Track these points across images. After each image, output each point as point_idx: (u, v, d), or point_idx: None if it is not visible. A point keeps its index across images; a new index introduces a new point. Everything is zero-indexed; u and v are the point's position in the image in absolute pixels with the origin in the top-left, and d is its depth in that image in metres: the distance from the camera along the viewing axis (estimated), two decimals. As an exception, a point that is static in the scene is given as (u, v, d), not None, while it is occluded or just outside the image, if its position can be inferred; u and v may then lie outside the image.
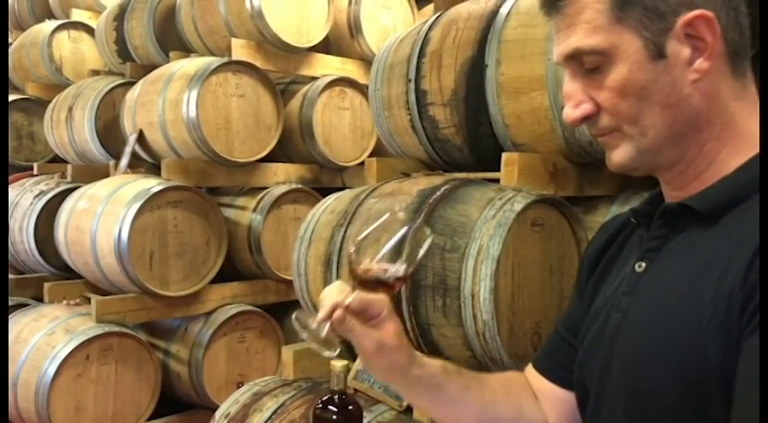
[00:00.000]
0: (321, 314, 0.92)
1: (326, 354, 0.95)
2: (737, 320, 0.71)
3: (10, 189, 4.35)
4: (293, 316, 0.96)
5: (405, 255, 0.93)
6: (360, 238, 0.95)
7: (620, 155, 0.87)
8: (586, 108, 0.86)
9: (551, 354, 1.11)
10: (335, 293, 0.94)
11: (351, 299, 0.93)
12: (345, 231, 2.14)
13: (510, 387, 1.11)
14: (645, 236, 0.91)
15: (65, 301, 3.61)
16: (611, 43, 0.82)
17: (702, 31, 0.80)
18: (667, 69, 0.81)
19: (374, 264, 0.93)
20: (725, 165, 0.83)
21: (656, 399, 0.80)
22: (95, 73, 4.81)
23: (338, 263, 2.13)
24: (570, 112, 0.87)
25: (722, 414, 0.72)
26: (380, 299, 0.96)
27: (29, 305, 3.78)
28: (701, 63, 0.81)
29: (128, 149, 3.70)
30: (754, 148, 0.83)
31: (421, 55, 2.26)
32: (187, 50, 4.08)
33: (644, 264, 0.88)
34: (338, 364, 1.41)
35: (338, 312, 0.92)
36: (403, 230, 0.94)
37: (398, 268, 0.93)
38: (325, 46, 3.93)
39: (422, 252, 0.95)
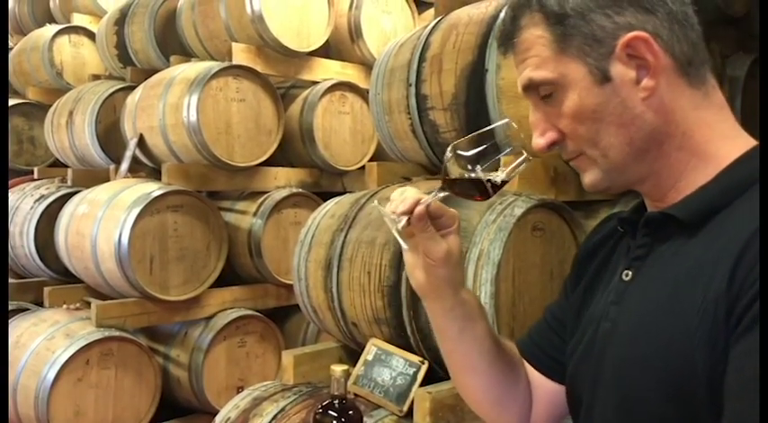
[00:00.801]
0: (402, 206, 0.93)
1: (401, 243, 0.95)
2: (724, 326, 0.72)
3: (10, 193, 4.35)
4: (376, 202, 0.97)
5: (503, 166, 0.93)
6: (464, 138, 0.95)
7: (589, 177, 0.90)
8: (551, 135, 0.90)
9: (537, 339, 1.13)
10: (415, 192, 0.94)
11: (433, 197, 0.94)
12: (346, 236, 2.14)
13: (517, 358, 1.13)
14: (631, 244, 0.93)
15: (65, 306, 3.60)
16: (560, 73, 0.86)
17: (642, 50, 0.82)
18: (615, 91, 0.84)
19: (468, 167, 0.93)
20: (699, 173, 0.85)
21: (646, 406, 0.80)
22: (96, 77, 4.81)
23: (338, 267, 2.12)
24: (537, 141, 0.91)
25: (710, 421, 0.73)
26: (454, 213, 0.98)
27: (29, 310, 3.78)
28: (647, 81, 0.83)
29: (128, 154, 3.70)
30: (730, 153, 0.84)
31: (421, 59, 2.26)
32: (188, 55, 4.09)
33: (630, 273, 0.90)
34: (338, 369, 1.40)
35: (420, 208, 0.93)
36: (522, 157, 0.94)
37: (499, 176, 0.93)
38: (326, 50, 3.94)
39: (520, 169, 0.94)
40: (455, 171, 0.94)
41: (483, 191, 0.94)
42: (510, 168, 0.93)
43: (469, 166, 0.93)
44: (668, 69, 0.84)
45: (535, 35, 0.87)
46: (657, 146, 0.86)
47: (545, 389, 1.09)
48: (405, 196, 0.94)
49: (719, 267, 0.74)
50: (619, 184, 0.91)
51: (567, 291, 1.10)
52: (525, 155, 0.94)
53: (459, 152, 0.94)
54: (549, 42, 0.86)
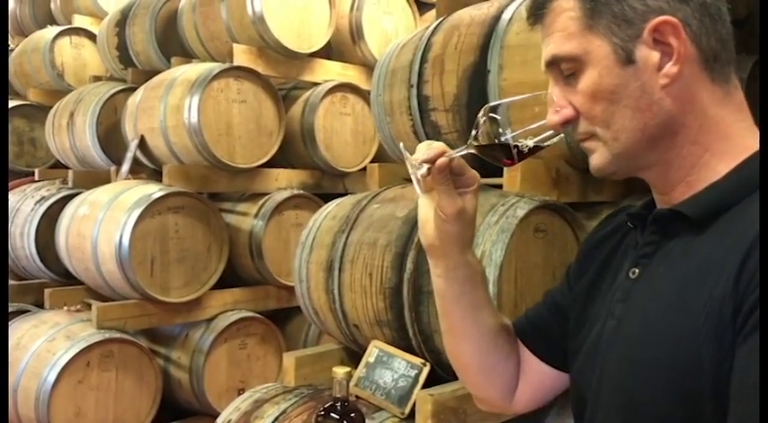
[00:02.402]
0: (426, 154, 0.94)
1: (417, 191, 0.97)
2: (730, 325, 0.72)
3: (11, 195, 4.35)
4: (401, 144, 0.98)
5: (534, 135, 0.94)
6: (499, 102, 0.96)
7: (597, 159, 0.89)
8: (566, 113, 0.89)
9: (534, 322, 1.14)
10: (441, 145, 0.96)
11: (458, 153, 0.95)
12: (347, 237, 2.13)
13: (511, 334, 1.14)
14: (639, 241, 0.92)
15: (65, 308, 3.59)
16: (583, 49, 0.85)
17: (669, 36, 0.82)
18: (637, 74, 0.83)
19: (507, 129, 0.93)
20: (712, 170, 0.84)
21: (650, 406, 0.80)
22: (97, 79, 4.81)
23: (340, 269, 2.12)
24: (551, 117, 0.91)
25: (714, 420, 0.72)
26: (475, 174, 0.99)
27: (29, 311, 3.78)
28: (669, 68, 0.82)
29: (129, 155, 3.70)
30: (742, 153, 0.83)
31: (423, 60, 2.26)
32: (188, 56, 4.09)
33: (637, 270, 0.89)
34: (340, 371, 1.40)
35: (443, 159, 0.93)
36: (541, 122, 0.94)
37: (527, 143, 0.93)
38: (327, 51, 3.93)
39: (551, 141, 0.94)
40: (485, 132, 0.95)
41: (509, 155, 0.94)
42: (539, 138, 0.93)
43: (501, 130, 0.94)
44: (692, 60, 0.83)
45: (565, 8, 0.87)
46: (671, 135, 0.85)
47: (534, 370, 1.10)
48: (431, 146, 0.95)
49: (727, 265, 0.74)
50: (626, 169, 0.90)
51: (570, 279, 1.09)
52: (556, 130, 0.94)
53: (492, 115, 0.95)
54: (577, 17, 0.86)
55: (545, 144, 0.94)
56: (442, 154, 0.93)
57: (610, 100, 0.85)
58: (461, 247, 1.01)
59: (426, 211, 1.00)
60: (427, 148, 0.95)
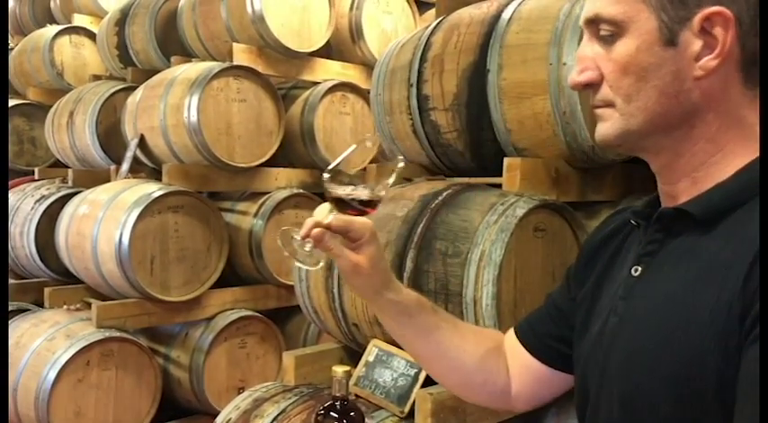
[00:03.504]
0: (303, 231, 0.98)
1: (306, 267, 1.02)
2: (737, 328, 0.71)
3: (11, 194, 4.35)
4: (279, 231, 1.03)
5: (371, 181, 1.01)
6: (332, 165, 1.01)
7: (606, 129, 0.87)
8: (590, 75, 0.86)
9: (535, 325, 1.14)
10: (321, 212, 1.00)
11: (330, 218, 0.99)
12: (347, 236, 2.13)
13: (482, 340, 1.16)
14: (642, 238, 0.91)
15: (65, 307, 3.59)
16: (629, 17, 0.82)
17: (718, 29, 0.79)
18: (674, 58, 0.81)
19: (340, 187, 0.99)
20: (721, 169, 0.83)
21: (651, 406, 0.79)
22: (97, 78, 4.81)
23: (339, 268, 2.12)
24: (574, 76, 0.88)
25: (718, 421, 0.72)
26: (362, 222, 1.01)
27: (29, 310, 3.77)
28: (708, 61, 0.80)
29: (129, 154, 3.70)
30: (751, 157, 0.82)
31: (423, 60, 2.26)
32: (188, 55, 4.08)
33: (640, 268, 0.88)
34: (340, 370, 1.40)
35: (317, 230, 0.97)
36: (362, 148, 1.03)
37: (362, 192, 0.99)
38: (327, 51, 3.93)
39: (391, 180, 1.01)
40: (332, 194, 1.00)
41: (360, 208, 1.00)
42: (380, 185, 1.00)
43: (343, 188, 1.00)
44: (732, 59, 0.80)
45: None
46: (688, 128, 0.83)
47: (533, 371, 1.11)
48: (305, 222, 0.99)
49: (735, 267, 0.73)
50: (631, 146, 0.88)
51: (570, 281, 1.09)
52: (396, 164, 1.02)
53: (326, 175, 1.00)
54: None
55: (386, 184, 1.00)
56: (315, 225, 0.97)
57: (640, 76, 0.82)
58: (378, 291, 1.06)
59: (340, 270, 1.06)
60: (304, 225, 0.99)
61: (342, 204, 0.99)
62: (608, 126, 0.86)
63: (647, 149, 0.88)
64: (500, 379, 1.12)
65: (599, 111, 0.88)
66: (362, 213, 1.00)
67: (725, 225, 0.79)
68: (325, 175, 1.00)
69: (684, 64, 0.81)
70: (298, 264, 1.01)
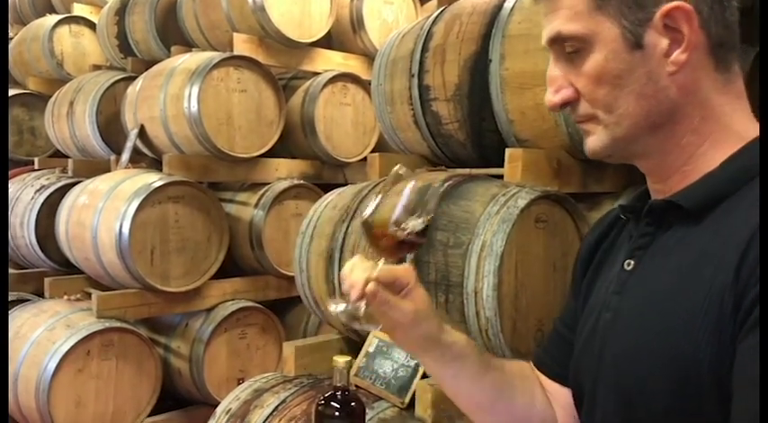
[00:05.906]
0: (354, 293, 0.89)
1: (372, 329, 0.93)
2: (730, 318, 0.71)
3: (11, 184, 4.34)
4: (329, 305, 0.93)
5: (416, 209, 0.91)
6: (371, 208, 0.93)
7: (594, 142, 0.87)
8: (566, 93, 0.86)
9: (551, 351, 1.11)
10: (360, 270, 0.91)
11: (378, 271, 0.91)
12: (347, 227, 2.13)
13: (525, 374, 1.11)
14: (633, 233, 0.91)
15: (65, 297, 3.60)
16: (591, 30, 0.82)
17: (680, 22, 0.80)
18: (644, 60, 0.81)
19: (390, 227, 0.90)
20: (708, 160, 0.83)
21: (647, 398, 0.79)
22: (96, 67, 4.80)
23: (340, 259, 2.12)
24: (550, 98, 0.88)
25: (715, 413, 0.72)
26: (405, 269, 0.95)
27: (29, 300, 3.78)
28: (678, 55, 0.80)
29: (129, 144, 3.69)
30: (737, 143, 0.82)
31: (424, 50, 2.25)
32: (188, 45, 4.07)
33: (632, 262, 0.88)
34: (341, 360, 1.39)
35: (371, 286, 0.88)
36: (408, 188, 0.92)
37: (415, 223, 0.90)
38: (328, 41, 3.92)
39: (434, 202, 0.92)
40: (392, 236, 0.91)
41: (411, 244, 0.92)
42: (418, 207, 0.91)
43: (395, 227, 0.90)
44: (700, 47, 0.81)
45: None
46: (673, 124, 0.83)
47: (562, 396, 1.07)
48: (352, 282, 0.90)
49: (726, 258, 0.73)
50: (622, 154, 0.88)
51: (573, 294, 1.08)
52: (399, 170, 0.93)
53: (368, 221, 0.93)
54: None
55: (430, 209, 0.91)
56: (366, 283, 0.89)
57: (614, 84, 0.82)
58: (437, 336, 0.97)
59: (386, 327, 0.95)
60: (350, 287, 0.89)
61: (394, 246, 0.91)
62: (595, 139, 0.87)
63: (636, 154, 0.88)
64: (546, 410, 1.08)
65: (583, 126, 0.88)
66: (415, 247, 0.92)
67: (714, 216, 0.79)
68: (369, 219, 0.91)
69: (655, 63, 0.81)
70: (358, 327, 0.90)
